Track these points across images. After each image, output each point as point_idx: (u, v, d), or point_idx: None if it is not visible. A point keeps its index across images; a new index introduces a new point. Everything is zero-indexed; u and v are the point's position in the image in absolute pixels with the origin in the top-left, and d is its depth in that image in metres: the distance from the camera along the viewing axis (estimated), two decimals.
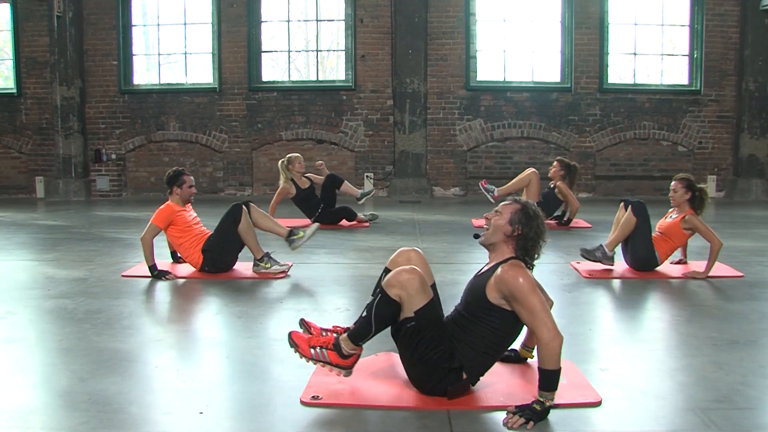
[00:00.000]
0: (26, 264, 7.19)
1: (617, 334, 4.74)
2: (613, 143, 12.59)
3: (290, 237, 6.54)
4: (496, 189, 9.36)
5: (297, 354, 3.62)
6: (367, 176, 12.56)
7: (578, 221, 9.26)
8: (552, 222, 9.20)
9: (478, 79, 12.60)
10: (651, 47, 12.69)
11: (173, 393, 3.66)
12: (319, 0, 12.77)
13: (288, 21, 12.85)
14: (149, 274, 6.27)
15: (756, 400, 3.52)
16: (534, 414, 3.21)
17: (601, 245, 6.54)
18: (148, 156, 12.94)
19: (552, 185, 9.16)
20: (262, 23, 12.78)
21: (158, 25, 13.04)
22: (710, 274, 6.21)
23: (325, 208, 9.16)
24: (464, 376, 3.48)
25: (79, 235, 8.73)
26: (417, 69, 12.18)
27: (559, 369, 3.27)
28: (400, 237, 8.36)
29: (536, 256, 3.62)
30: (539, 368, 3.28)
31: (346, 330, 3.70)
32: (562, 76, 12.55)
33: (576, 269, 6.52)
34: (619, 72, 12.85)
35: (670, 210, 6.64)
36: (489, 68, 12.75)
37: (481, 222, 9.18)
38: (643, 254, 6.43)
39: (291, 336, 3.66)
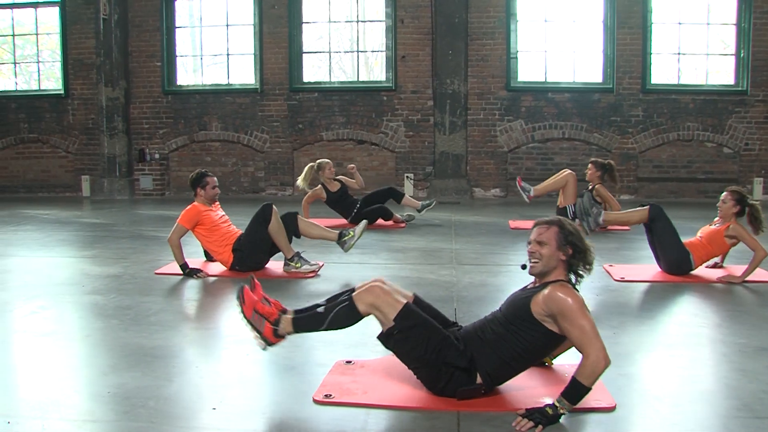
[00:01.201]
0: (65, 261, 7.36)
1: (642, 338, 4.65)
2: (655, 144, 12.38)
3: (341, 239, 6.59)
4: (532, 189, 9.28)
5: (238, 309, 3.71)
6: (407, 177, 12.57)
7: None
8: None
9: (519, 79, 12.53)
10: (696, 47, 12.43)
11: (191, 389, 3.71)
12: (360, 1, 12.81)
13: (329, 22, 12.92)
14: (181, 273, 6.38)
15: None
16: (544, 418, 3.18)
17: (602, 211, 6.46)
18: (191, 156, 13.14)
19: (590, 187, 9.04)
20: (303, 24, 12.88)
21: (201, 26, 13.23)
22: (748, 278, 6.09)
23: (361, 207, 9.20)
24: (479, 380, 3.46)
25: (119, 233, 8.91)
26: (457, 69, 12.14)
27: (590, 389, 3.25)
28: (435, 238, 8.34)
29: (591, 265, 3.58)
30: (574, 377, 3.25)
31: (284, 310, 3.75)
32: (604, 77, 12.39)
33: (608, 272, 6.42)
34: (663, 72, 12.61)
35: (716, 219, 6.52)
36: (530, 69, 12.66)
37: (519, 223, 9.15)
38: (675, 257, 6.33)
39: (242, 291, 3.72)
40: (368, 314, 3.58)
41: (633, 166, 12.41)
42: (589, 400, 3.42)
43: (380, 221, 9.16)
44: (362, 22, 12.99)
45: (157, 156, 13.19)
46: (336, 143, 12.74)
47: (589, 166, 9.13)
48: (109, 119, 12.93)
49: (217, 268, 6.70)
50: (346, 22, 13.22)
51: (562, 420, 3.24)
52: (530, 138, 12.50)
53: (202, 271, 6.45)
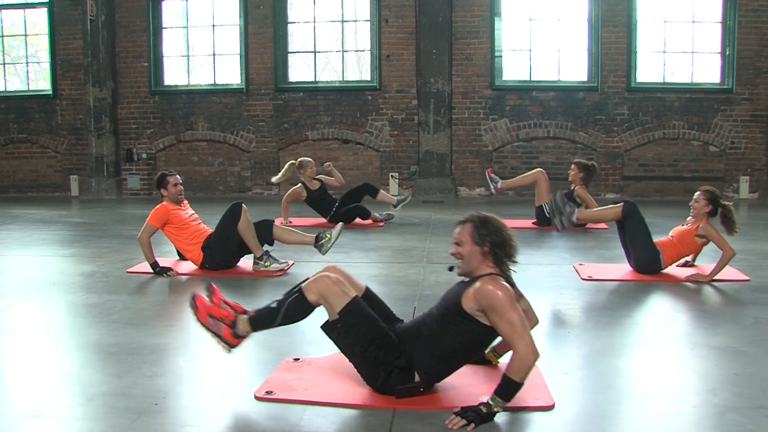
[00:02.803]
0: (41, 260, 7.39)
1: (595, 338, 4.64)
2: (641, 143, 12.37)
3: (318, 242, 6.58)
4: (500, 181, 9.33)
5: (194, 317, 3.73)
6: (392, 176, 12.59)
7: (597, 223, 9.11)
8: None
9: (504, 78, 12.53)
10: (681, 45, 12.43)
11: (139, 385, 3.72)
12: (345, 1, 12.83)
13: (314, 22, 12.94)
14: (152, 271, 6.43)
15: (720, 407, 3.43)
16: (477, 416, 3.19)
17: (575, 209, 6.45)
18: (178, 155, 13.17)
19: (572, 188, 9.05)
20: (289, 24, 12.91)
21: (187, 27, 13.26)
22: (717, 277, 6.08)
23: (339, 207, 9.22)
24: (417, 378, 3.49)
25: (100, 233, 8.95)
26: (441, 69, 12.15)
27: (522, 384, 3.25)
28: (411, 237, 8.36)
29: (514, 253, 3.59)
30: (504, 374, 3.26)
31: (244, 311, 3.75)
32: (589, 75, 12.39)
33: (577, 271, 6.44)
34: (648, 70, 12.60)
35: (689, 218, 6.53)
36: (514, 67, 12.68)
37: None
38: (645, 256, 6.33)
39: (194, 298, 3.74)
40: (320, 304, 3.58)
41: (618, 165, 12.41)
42: (528, 398, 3.45)
43: (358, 220, 9.18)
44: (347, 22, 13.00)
45: (144, 156, 13.22)
46: (321, 143, 12.77)
47: (573, 166, 9.13)
48: (96, 119, 12.97)
49: (188, 266, 6.74)
50: (331, 22, 13.20)
51: (498, 418, 3.25)
52: (515, 137, 12.51)
53: (171, 269, 6.49)
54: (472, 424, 3.16)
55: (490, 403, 3.24)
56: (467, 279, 3.57)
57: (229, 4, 12.93)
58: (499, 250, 3.53)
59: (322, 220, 9.30)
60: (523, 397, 3.44)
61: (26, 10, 13.61)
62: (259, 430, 3.22)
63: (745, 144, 12.28)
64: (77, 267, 6.92)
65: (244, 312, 3.75)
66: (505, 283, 3.40)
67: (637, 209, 6.39)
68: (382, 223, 9.20)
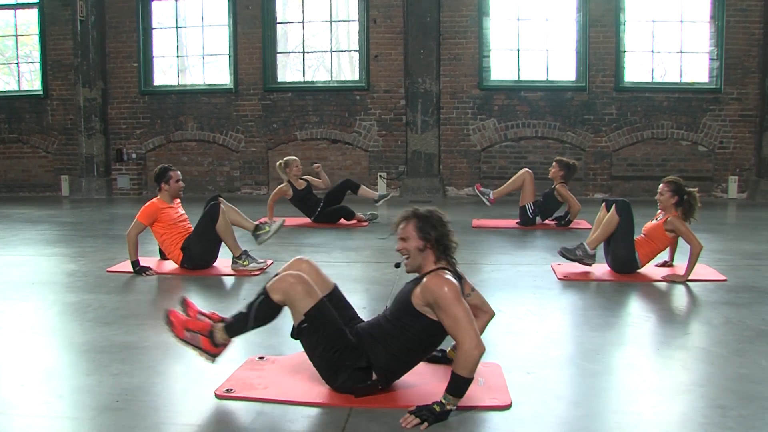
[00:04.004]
0: (23, 259, 7.41)
1: (563, 338, 4.65)
2: (630, 143, 12.39)
3: (256, 232, 6.69)
4: (491, 192, 9.34)
5: (171, 333, 3.74)
6: (380, 176, 12.62)
7: (580, 221, 9.14)
8: (551, 222, 9.14)
9: (492, 78, 12.55)
10: (669, 45, 12.44)
11: (102, 384, 3.75)
12: (333, 1, 12.85)
13: (303, 22, 12.96)
14: (132, 270, 6.45)
15: (679, 407, 3.45)
16: (431, 415, 3.21)
17: (582, 243, 6.47)
18: (168, 155, 13.19)
19: (552, 186, 9.08)
20: (278, 24, 12.94)
21: (177, 27, 13.29)
22: (694, 277, 6.07)
23: (324, 207, 9.25)
24: (374, 376, 3.51)
25: (85, 232, 8.99)
26: (429, 69, 12.18)
27: (471, 379, 3.27)
28: (393, 237, 8.35)
29: (454, 247, 3.62)
30: (453, 372, 3.28)
31: (222, 319, 3.76)
32: (577, 75, 12.41)
33: (554, 271, 6.45)
34: (636, 70, 12.61)
35: (658, 213, 6.52)
36: (502, 67, 12.68)
37: (482, 222, 9.16)
38: (623, 255, 6.33)
39: (168, 315, 3.75)
40: (285, 304, 3.57)
41: (607, 165, 12.44)
42: (485, 398, 3.47)
43: (342, 220, 9.21)
44: (335, 22, 13.02)
45: (134, 156, 13.25)
46: (310, 142, 12.80)
47: (554, 164, 9.16)
48: (86, 119, 13.00)
49: (169, 265, 6.77)
50: (321, 22, 13.22)
51: (453, 417, 3.26)
52: (503, 137, 12.53)
53: (150, 269, 6.51)
54: (426, 423, 3.18)
55: (443, 401, 3.26)
56: (417, 276, 3.59)
57: (218, 4, 12.96)
58: (441, 243, 3.56)
59: (307, 220, 9.33)
60: (480, 396, 3.47)
61: (17, 10, 13.63)
62: (212, 428, 3.24)
63: (733, 144, 12.30)
64: (58, 266, 6.96)
65: (221, 320, 3.76)
66: (451, 278, 3.42)
67: (629, 207, 6.36)
68: (366, 223, 9.22)
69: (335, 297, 3.81)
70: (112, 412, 3.37)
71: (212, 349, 3.69)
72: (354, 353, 3.51)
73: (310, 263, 3.87)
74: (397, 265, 3.69)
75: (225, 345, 3.72)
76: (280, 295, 3.54)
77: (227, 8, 12.79)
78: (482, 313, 3.84)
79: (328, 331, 3.50)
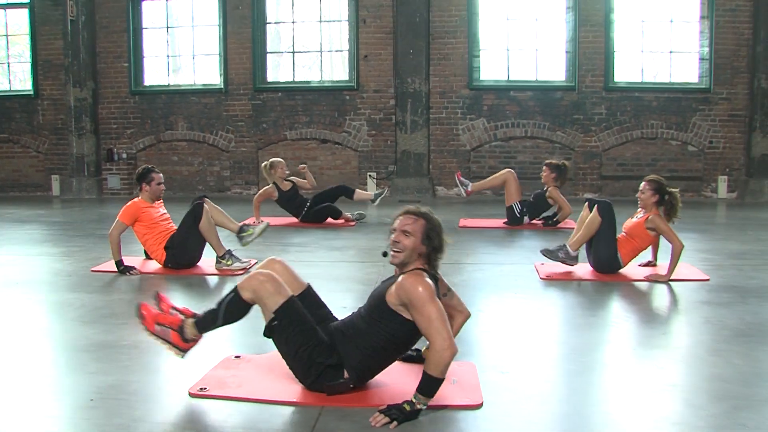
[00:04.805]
0: (8, 259, 7.40)
1: (539, 337, 4.66)
2: (619, 143, 12.41)
3: (240, 233, 6.71)
4: (470, 184, 9.37)
5: (142, 326, 3.76)
6: (370, 175, 12.63)
7: (568, 221, 9.14)
8: (539, 222, 9.16)
9: (481, 78, 12.57)
10: (659, 44, 12.46)
11: (78, 383, 3.76)
12: (323, 1, 12.85)
13: (293, 22, 12.97)
14: (116, 269, 6.46)
15: (648, 407, 3.46)
16: (400, 414, 3.22)
17: (564, 245, 6.48)
18: (158, 155, 13.20)
19: (545, 189, 9.09)
20: (267, 24, 12.95)
21: (167, 27, 13.28)
22: (676, 277, 6.08)
23: (311, 207, 9.26)
24: (346, 374, 3.52)
25: (73, 232, 8.99)
26: (418, 69, 12.19)
27: (443, 379, 3.29)
28: (379, 236, 8.34)
29: (443, 255, 3.64)
30: (424, 371, 3.30)
31: (193, 315, 3.79)
32: (567, 75, 12.43)
33: (537, 270, 6.47)
34: (626, 70, 12.63)
35: (638, 211, 6.53)
36: (492, 67, 12.68)
37: (469, 222, 9.15)
38: (605, 255, 6.34)
39: (140, 308, 3.78)
40: (255, 303, 3.60)
41: (597, 165, 12.46)
42: (456, 397, 3.48)
43: (330, 220, 9.22)
44: (325, 22, 13.02)
45: (125, 156, 13.25)
46: (300, 142, 12.82)
47: (544, 168, 9.15)
48: (77, 119, 12.99)
49: (153, 265, 6.78)
50: (311, 22, 13.21)
51: (424, 416, 3.27)
52: (493, 136, 12.55)
53: (135, 268, 6.52)
54: (395, 422, 3.19)
55: (413, 400, 3.27)
56: (394, 273, 3.61)
57: (208, 4, 12.96)
58: (436, 253, 3.58)
59: (294, 220, 9.34)
60: (451, 395, 3.48)
61: (7, 10, 13.62)
62: (183, 426, 3.25)
63: (723, 144, 12.32)
64: (44, 266, 6.98)
65: (193, 316, 3.79)
66: (427, 279, 3.43)
67: (611, 208, 6.37)
68: (353, 223, 9.23)
69: (308, 296, 3.83)
70: (86, 410, 3.39)
71: (182, 344, 3.72)
72: (325, 351, 3.52)
73: (283, 263, 3.89)
74: (385, 254, 3.66)
75: (195, 341, 3.75)
76: (249, 293, 3.56)
77: (217, 8, 12.79)
78: (458, 313, 3.85)
79: (298, 329, 3.52)
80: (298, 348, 3.51)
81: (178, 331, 3.71)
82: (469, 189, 9.35)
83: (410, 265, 3.56)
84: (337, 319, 3.89)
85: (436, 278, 3.60)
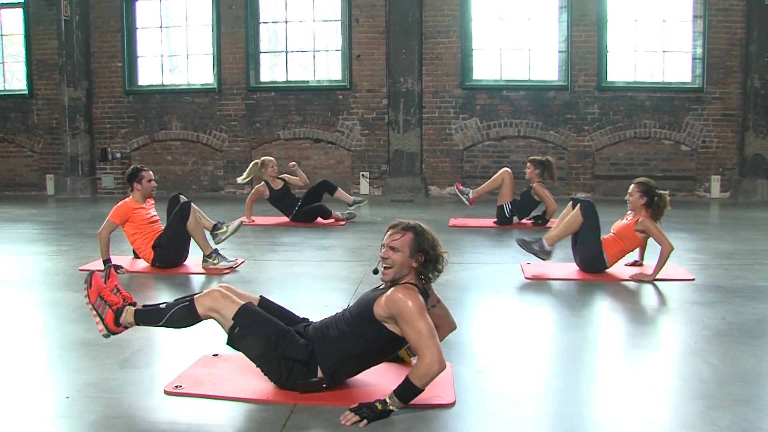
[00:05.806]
0: None
1: (519, 336, 4.66)
2: (612, 142, 12.42)
3: (214, 231, 6.75)
4: (471, 191, 9.36)
5: (84, 292, 3.82)
6: (362, 175, 12.65)
7: (557, 221, 9.15)
8: (529, 222, 9.17)
9: (474, 77, 12.59)
10: (652, 44, 12.47)
11: (57, 380, 3.80)
12: (316, 0, 12.86)
13: (286, 22, 12.98)
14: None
15: (622, 406, 3.48)
16: (371, 413, 3.23)
17: (540, 238, 6.50)
18: (152, 155, 13.23)
19: (531, 185, 9.11)
20: (261, 24, 12.96)
21: (161, 27, 13.30)
22: (662, 276, 6.08)
23: (302, 206, 9.28)
24: (319, 374, 3.53)
25: (65, 231, 9.01)
26: (411, 68, 12.21)
27: (422, 390, 3.30)
28: (368, 236, 8.40)
29: (441, 269, 3.61)
30: (407, 377, 3.30)
31: (133, 303, 3.84)
32: (560, 74, 12.45)
33: (522, 270, 6.47)
34: (619, 69, 12.63)
35: (627, 213, 6.55)
36: (485, 67, 12.70)
37: (459, 222, 9.15)
38: (589, 255, 6.35)
39: (90, 276, 3.84)
40: (207, 317, 3.66)
41: (589, 164, 12.47)
42: (429, 396, 3.47)
43: (320, 219, 9.24)
44: (318, 21, 13.03)
45: (119, 155, 13.28)
46: (293, 142, 12.84)
47: (528, 164, 9.18)
48: (71, 119, 13.03)
49: (141, 264, 6.81)
50: (305, 22, 13.22)
51: (394, 414, 3.28)
52: (485, 136, 12.57)
53: (122, 267, 6.54)
54: (365, 421, 3.20)
55: (387, 401, 3.27)
56: (385, 285, 3.59)
57: (202, 4, 12.98)
58: (429, 266, 3.55)
59: (285, 219, 9.36)
60: (424, 394, 3.47)
61: (1, 10, 13.64)
62: (156, 424, 3.27)
63: (716, 143, 12.33)
64: (33, 265, 7.00)
65: (132, 304, 3.84)
66: (417, 293, 3.42)
67: (594, 208, 6.38)
68: (343, 222, 9.25)
69: (264, 305, 3.83)
70: (62, 407, 3.41)
71: (113, 327, 3.79)
72: (292, 344, 3.52)
73: (229, 287, 3.87)
74: (375, 272, 3.60)
75: (126, 328, 3.82)
76: (204, 309, 3.63)
77: (211, 8, 12.81)
78: (444, 324, 3.83)
79: (258, 326, 3.55)
80: (264, 345, 3.52)
81: (116, 313, 3.77)
82: (471, 197, 9.34)
83: (402, 280, 3.53)
84: (303, 319, 3.88)
85: (426, 292, 3.58)
